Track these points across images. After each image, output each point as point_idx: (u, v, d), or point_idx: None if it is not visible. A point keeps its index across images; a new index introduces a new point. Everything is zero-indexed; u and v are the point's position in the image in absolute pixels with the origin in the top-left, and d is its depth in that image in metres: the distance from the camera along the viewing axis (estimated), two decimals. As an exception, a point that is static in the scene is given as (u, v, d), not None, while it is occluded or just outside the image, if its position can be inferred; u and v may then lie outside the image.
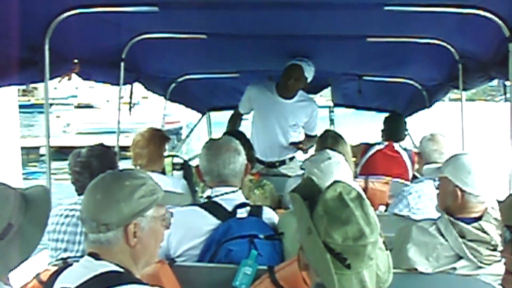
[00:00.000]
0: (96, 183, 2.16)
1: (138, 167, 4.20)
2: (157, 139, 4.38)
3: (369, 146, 5.48)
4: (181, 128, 26.40)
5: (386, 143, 5.42)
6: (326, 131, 4.81)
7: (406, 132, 5.80)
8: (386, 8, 3.41)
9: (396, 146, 5.43)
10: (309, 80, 5.49)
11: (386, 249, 2.00)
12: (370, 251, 1.84)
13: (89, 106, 53.60)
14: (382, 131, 5.65)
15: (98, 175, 2.23)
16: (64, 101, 51.35)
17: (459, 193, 2.91)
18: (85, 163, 3.33)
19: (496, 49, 3.72)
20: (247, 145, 4.24)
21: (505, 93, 3.94)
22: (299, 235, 1.95)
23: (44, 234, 2.13)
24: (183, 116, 25.09)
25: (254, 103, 5.75)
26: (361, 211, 1.86)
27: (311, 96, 6.07)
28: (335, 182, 1.98)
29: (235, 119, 6.00)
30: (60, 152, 22.75)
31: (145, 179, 2.21)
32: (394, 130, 5.59)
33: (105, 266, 2.03)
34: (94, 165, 3.28)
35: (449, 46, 4.49)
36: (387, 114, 6.07)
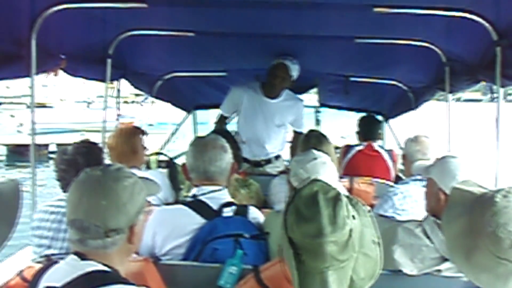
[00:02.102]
0: (94, 187, 2.10)
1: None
2: (128, 136, 4.36)
3: (349, 147, 5.49)
4: None
5: (365, 143, 5.43)
6: (310, 131, 4.80)
7: (380, 131, 5.83)
8: (375, 9, 3.42)
9: (376, 146, 5.45)
10: (294, 77, 5.52)
11: (377, 257, 1.99)
12: (336, 252, 1.84)
13: (43, 105, 52.92)
14: (358, 132, 5.67)
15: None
16: (18, 100, 50.25)
17: (442, 196, 2.95)
18: (71, 160, 3.30)
19: (483, 52, 3.74)
20: (234, 145, 4.23)
21: (492, 96, 3.97)
22: None
23: (12, 231, 2.07)
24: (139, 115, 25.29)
25: (239, 105, 5.74)
26: (330, 210, 1.87)
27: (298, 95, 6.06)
28: (314, 180, 2.01)
29: (222, 123, 5.91)
30: (15, 152, 22.87)
31: (134, 175, 2.23)
32: (371, 130, 5.61)
33: (91, 265, 2.01)
34: (80, 163, 3.24)
35: (436, 49, 4.52)
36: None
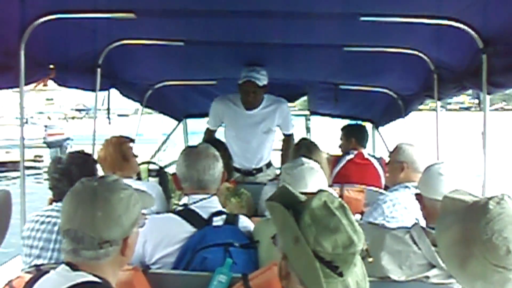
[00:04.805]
0: (90, 198, 2.11)
1: None
2: (117, 147, 4.37)
3: (338, 157, 5.49)
4: (65, 140, 26.63)
5: (355, 152, 5.44)
6: (301, 139, 4.81)
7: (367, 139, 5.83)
8: (361, 18, 3.45)
9: (366, 154, 5.45)
10: (266, 84, 5.45)
11: (361, 257, 2.01)
12: (356, 259, 1.86)
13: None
14: (346, 141, 5.65)
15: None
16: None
17: (424, 201, 3.08)
18: (65, 170, 3.31)
19: (470, 60, 3.77)
20: (226, 154, 4.26)
21: (479, 104, 3.99)
22: (281, 244, 1.95)
23: (3, 239, 2.07)
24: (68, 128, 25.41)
25: (223, 118, 5.77)
26: (346, 219, 1.87)
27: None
28: (320, 191, 1.99)
29: (209, 136, 5.83)
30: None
31: (130, 187, 2.24)
32: (360, 138, 5.62)
33: (82, 276, 2.02)
34: (74, 173, 3.25)
35: (424, 56, 4.54)
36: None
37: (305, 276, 1.85)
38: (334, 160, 5.43)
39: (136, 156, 4.53)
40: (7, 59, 3.34)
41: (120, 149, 4.35)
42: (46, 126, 25.87)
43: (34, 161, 23.05)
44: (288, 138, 5.84)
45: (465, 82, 4.05)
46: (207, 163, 3.13)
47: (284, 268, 1.94)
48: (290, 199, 2.01)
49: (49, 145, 24.49)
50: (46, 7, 3.45)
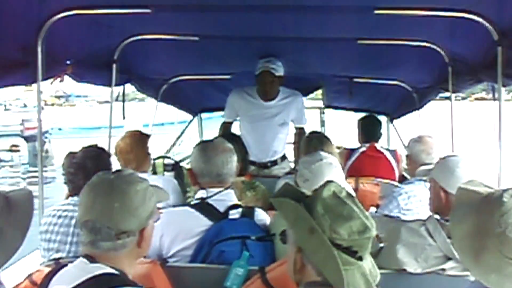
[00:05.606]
0: (108, 190, 2.16)
1: None
2: (140, 141, 4.39)
3: (351, 150, 5.50)
4: (43, 133, 26.45)
5: (367, 145, 5.45)
6: (312, 132, 4.81)
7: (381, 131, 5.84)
8: (376, 12, 3.45)
9: (378, 146, 5.46)
10: (282, 74, 5.50)
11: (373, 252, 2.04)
12: (370, 244, 1.90)
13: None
14: (360, 134, 5.67)
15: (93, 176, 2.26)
16: None
17: (442, 194, 3.06)
18: (80, 164, 3.34)
19: (485, 52, 3.75)
20: (243, 149, 4.27)
21: (494, 96, 3.97)
22: (295, 238, 1.97)
23: (25, 238, 2.10)
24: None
25: (239, 110, 5.80)
26: (357, 207, 1.92)
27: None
28: (328, 182, 2.02)
29: (226, 130, 5.91)
30: None
31: (146, 180, 2.28)
32: (373, 130, 5.62)
33: (100, 268, 2.06)
34: (89, 167, 3.28)
35: (439, 49, 4.53)
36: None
37: (323, 266, 1.87)
38: (347, 153, 5.44)
39: (149, 154, 4.55)
40: (25, 55, 3.37)
41: (145, 145, 4.39)
42: (23, 120, 25.46)
43: (11, 150, 23.06)
44: (300, 131, 5.86)
45: (480, 74, 4.04)
46: (225, 158, 3.16)
47: (299, 262, 1.96)
48: (295, 195, 2.04)
49: (27, 139, 23.94)
50: (63, 4, 3.48)
